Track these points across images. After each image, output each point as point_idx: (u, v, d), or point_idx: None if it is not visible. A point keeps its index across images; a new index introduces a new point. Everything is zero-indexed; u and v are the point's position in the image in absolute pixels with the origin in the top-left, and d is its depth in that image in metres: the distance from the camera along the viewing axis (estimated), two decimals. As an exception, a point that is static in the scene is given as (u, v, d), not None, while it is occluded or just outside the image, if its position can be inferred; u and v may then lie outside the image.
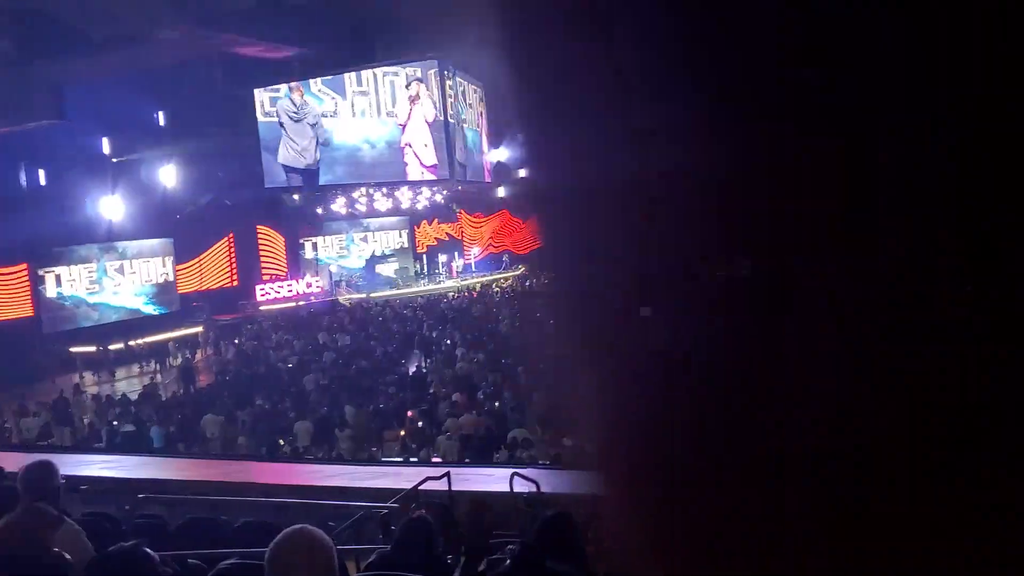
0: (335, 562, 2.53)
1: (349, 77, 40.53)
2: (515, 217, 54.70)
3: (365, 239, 46.04)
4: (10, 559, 4.19)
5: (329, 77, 39.96)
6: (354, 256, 45.30)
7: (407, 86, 42.15)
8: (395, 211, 45.83)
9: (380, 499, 7.42)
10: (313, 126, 40.69)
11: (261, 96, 39.33)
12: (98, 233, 33.51)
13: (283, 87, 39.46)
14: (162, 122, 37.49)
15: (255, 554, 4.09)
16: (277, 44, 16.87)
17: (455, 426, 14.98)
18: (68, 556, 4.07)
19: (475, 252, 50.79)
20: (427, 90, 42.53)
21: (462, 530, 4.83)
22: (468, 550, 4.28)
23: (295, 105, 40.15)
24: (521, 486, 7.73)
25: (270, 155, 40.18)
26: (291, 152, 40.69)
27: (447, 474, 7.81)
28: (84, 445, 16.46)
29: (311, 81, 40.00)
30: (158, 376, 26.22)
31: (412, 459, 13.82)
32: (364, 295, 39.95)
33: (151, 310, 34.54)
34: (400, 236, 47.93)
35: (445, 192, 46.48)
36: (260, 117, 39.60)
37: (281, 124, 40.13)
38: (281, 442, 15.69)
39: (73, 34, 15.36)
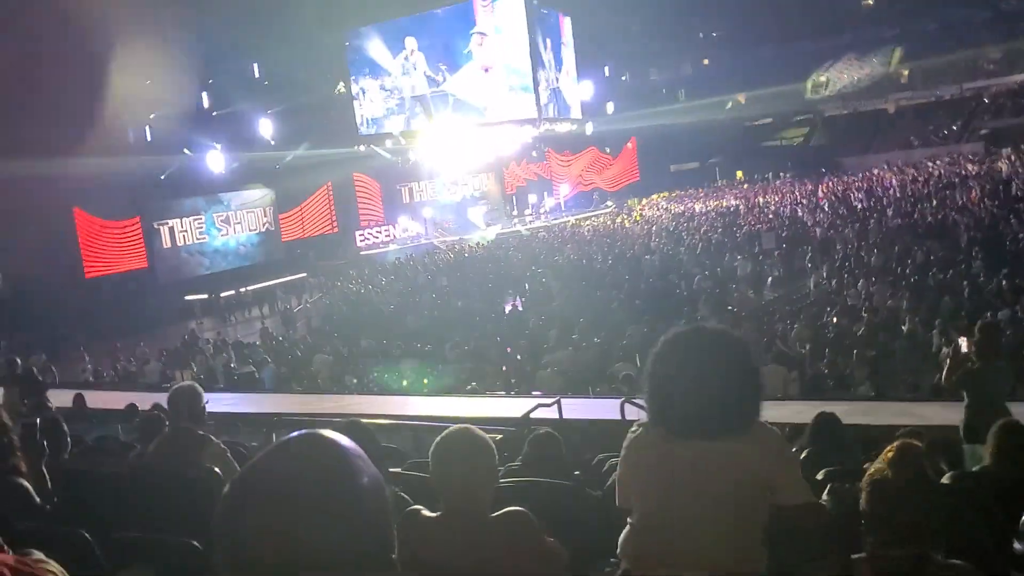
0: (495, 460, 2.70)
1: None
2: (604, 154, 54.26)
3: (456, 183, 46.42)
4: (164, 476, 4.49)
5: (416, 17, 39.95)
6: (445, 200, 45.77)
7: (472, 34, 41.87)
8: (483, 154, 45.95)
9: (492, 425, 7.61)
10: (404, 75, 41.05)
11: (353, 43, 39.87)
12: (203, 185, 34.75)
13: (374, 36, 39.87)
14: (257, 74, 38.33)
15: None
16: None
17: (554, 361, 15.19)
18: (218, 471, 4.38)
19: (564, 191, 50.57)
20: (498, 33, 42.16)
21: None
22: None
23: (388, 53, 40.58)
24: (634, 414, 7.58)
25: (363, 104, 40.79)
26: (384, 100, 41.21)
27: (558, 401, 7.93)
28: (205, 386, 17.28)
29: (399, 26, 40.27)
30: (267, 321, 27.20)
31: (512, 393, 14.00)
32: (457, 237, 40.48)
33: (257, 258, 35.71)
34: (489, 178, 48.14)
35: (533, 131, 46.27)
36: (350, 67, 40.21)
37: (372, 73, 40.61)
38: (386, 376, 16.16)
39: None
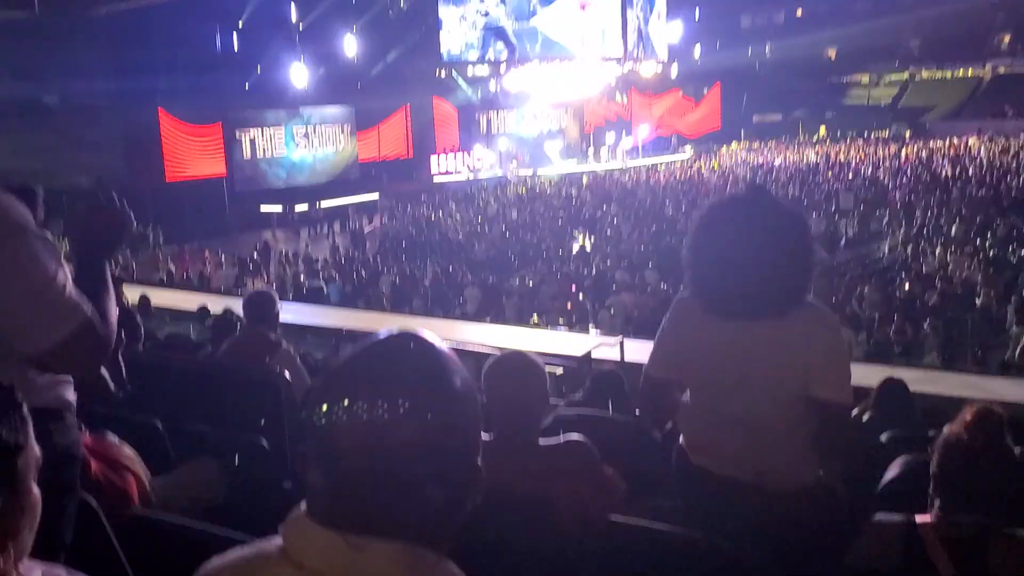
0: (546, 383, 2.68)
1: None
2: (687, 97, 53.20)
3: (535, 116, 46.03)
4: (234, 375, 4.56)
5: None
6: (522, 132, 45.49)
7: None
8: (564, 89, 45.44)
9: (552, 361, 7.63)
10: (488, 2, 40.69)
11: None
12: (285, 98, 35.02)
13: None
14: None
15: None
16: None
17: (618, 303, 15.16)
18: (287, 375, 4.48)
19: (643, 133, 49.79)
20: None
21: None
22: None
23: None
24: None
25: (448, 28, 40.54)
26: (464, 28, 40.91)
27: (621, 342, 7.92)
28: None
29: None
30: (337, 238, 27.56)
31: (574, 329, 14.04)
32: (532, 171, 40.31)
33: (332, 175, 36.03)
34: (567, 114, 47.61)
35: (617, 70, 45.56)
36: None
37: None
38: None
39: None
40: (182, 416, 3.72)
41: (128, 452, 2.91)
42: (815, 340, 2.37)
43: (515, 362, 2.66)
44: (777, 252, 2.35)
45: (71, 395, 2.06)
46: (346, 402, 1.00)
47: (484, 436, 2.65)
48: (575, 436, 2.67)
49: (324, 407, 1.02)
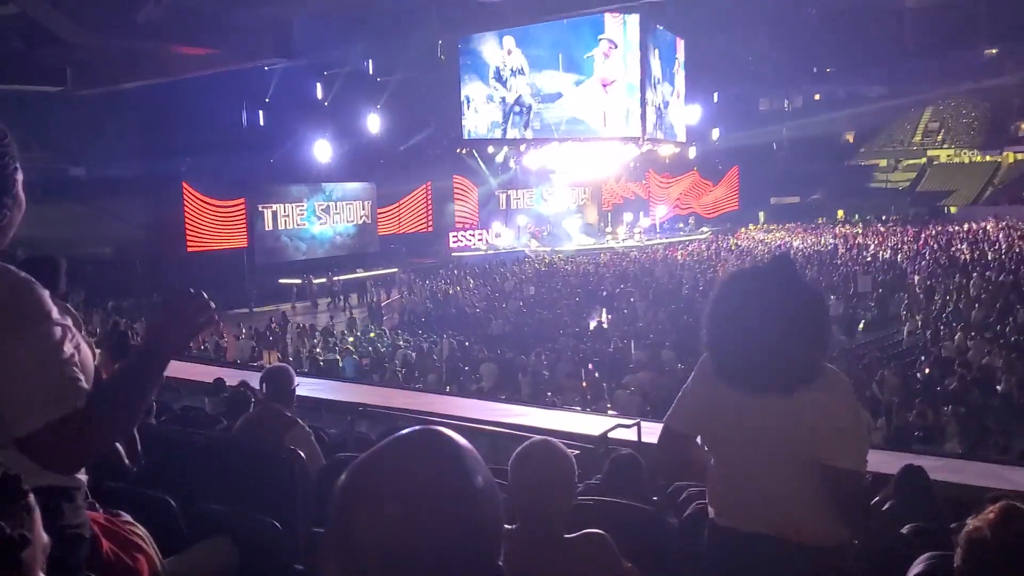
0: (575, 476, 2.62)
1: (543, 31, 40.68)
2: (705, 179, 53.68)
3: (553, 194, 46.55)
4: (250, 452, 4.54)
5: (524, 30, 40.14)
6: (541, 209, 45.96)
7: (599, 42, 41.98)
8: (583, 168, 46.01)
9: (568, 441, 7.52)
10: (510, 82, 41.44)
11: (466, 47, 40.39)
12: (308, 174, 35.60)
13: (489, 41, 40.31)
14: (371, 70, 39.11)
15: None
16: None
17: (635, 382, 15.06)
18: (302, 453, 4.45)
19: (661, 212, 50.17)
20: (619, 46, 42.18)
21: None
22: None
23: (498, 60, 41.03)
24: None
25: (469, 108, 41.28)
26: (488, 107, 41.65)
27: (638, 424, 7.84)
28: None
29: (511, 39, 40.64)
30: (354, 311, 27.67)
31: (589, 409, 13.95)
32: (550, 248, 40.57)
33: (352, 249, 36.37)
34: (586, 192, 48.11)
35: (636, 150, 46.11)
36: (462, 71, 40.73)
37: (481, 78, 41.09)
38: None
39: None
40: (196, 493, 3.69)
41: (140, 531, 2.88)
42: (825, 408, 2.37)
43: (543, 453, 2.59)
44: (792, 328, 2.36)
45: (82, 473, 2.05)
46: (368, 503, 1.00)
47: (507, 526, 2.62)
48: (594, 530, 2.63)
49: (345, 507, 1.02)
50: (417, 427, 1.12)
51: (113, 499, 2.95)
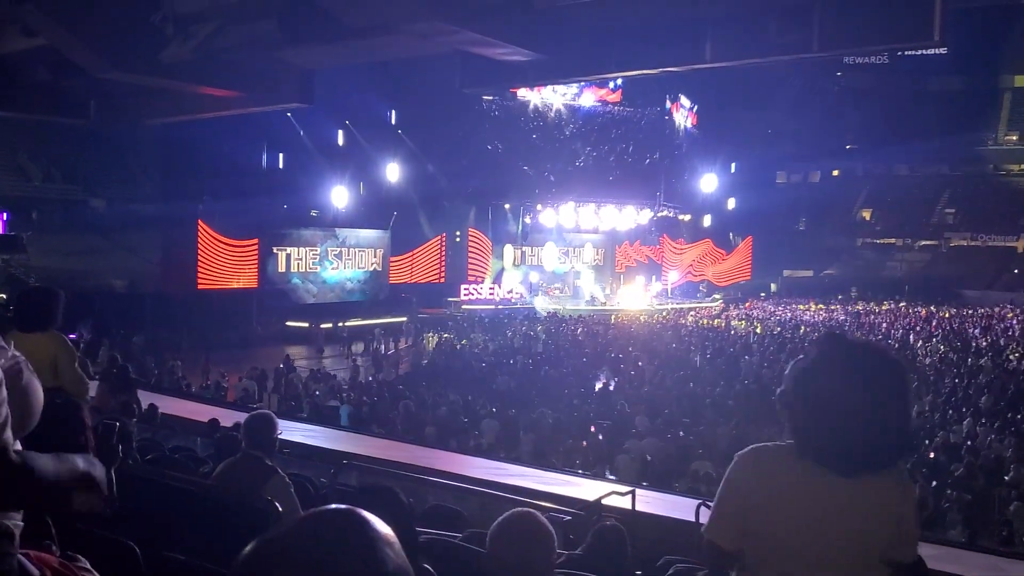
0: (555, 551, 2.55)
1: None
2: (719, 248, 53.81)
3: (567, 253, 46.70)
4: (224, 501, 4.44)
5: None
6: (556, 266, 46.09)
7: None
8: (599, 228, 46.30)
9: (561, 505, 7.43)
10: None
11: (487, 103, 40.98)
12: (323, 218, 35.82)
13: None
14: (394, 120, 39.55)
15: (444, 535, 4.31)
16: (516, 47, 17.15)
17: (636, 447, 14.87)
18: (278, 505, 4.33)
19: (673, 278, 50.25)
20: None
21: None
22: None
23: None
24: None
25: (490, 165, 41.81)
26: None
27: (632, 492, 7.70)
28: (290, 413, 17.49)
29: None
30: (359, 359, 27.57)
31: (587, 473, 13.76)
32: (560, 306, 40.53)
33: (362, 296, 36.43)
34: (599, 253, 48.26)
35: (651, 215, 46.38)
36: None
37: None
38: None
39: (328, 20, 16.29)
40: (166, 540, 3.58)
41: (93, 579, 2.77)
42: (907, 497, 2.31)
43: (523, 526, 2.52)
44: (892, 402, 2.23)
45: (12, 520, 1.93)
46: None
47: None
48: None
49: None
50: (335, 507, 1.07)
51: (77, 541, 2.84)
